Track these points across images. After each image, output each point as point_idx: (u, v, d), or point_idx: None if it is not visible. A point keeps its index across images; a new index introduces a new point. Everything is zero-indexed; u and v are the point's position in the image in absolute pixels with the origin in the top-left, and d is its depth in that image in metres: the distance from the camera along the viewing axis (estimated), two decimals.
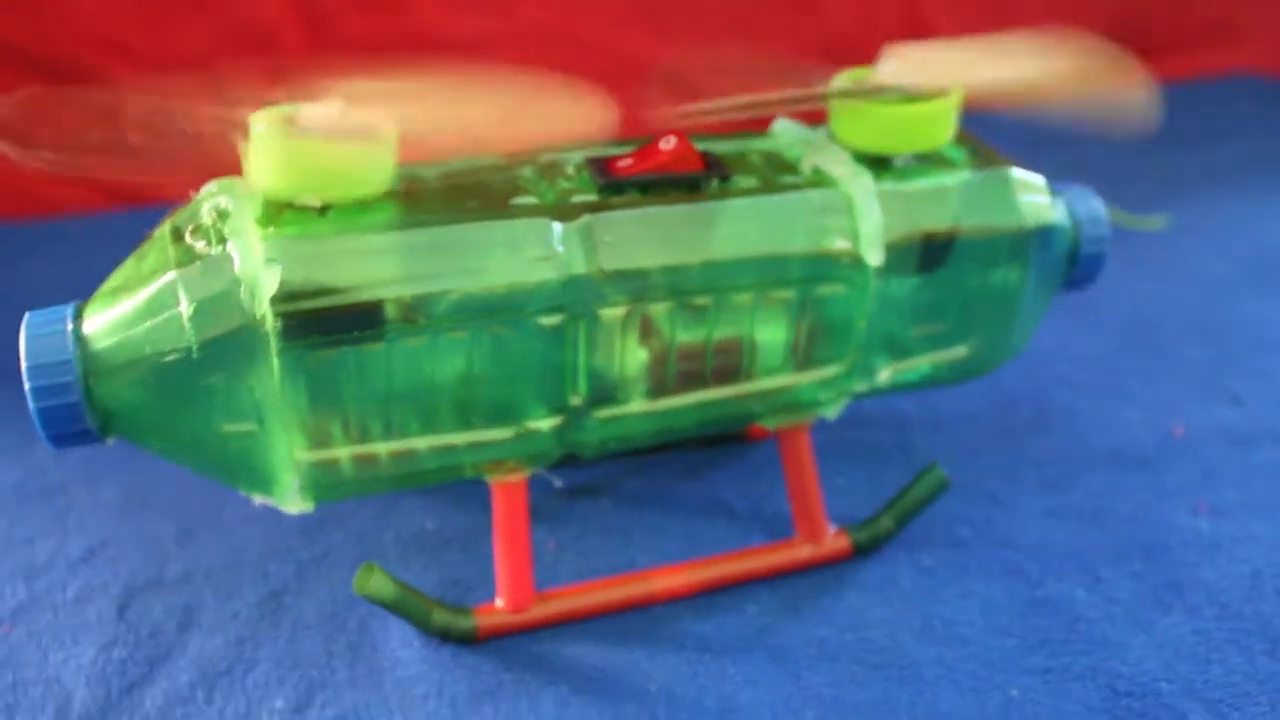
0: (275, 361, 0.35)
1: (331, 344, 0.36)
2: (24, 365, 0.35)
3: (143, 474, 0.50)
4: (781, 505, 0.48)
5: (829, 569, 0.45)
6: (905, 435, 0.53)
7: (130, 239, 0.38)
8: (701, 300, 0.39)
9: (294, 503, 0.38)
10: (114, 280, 0.37)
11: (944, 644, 0.42)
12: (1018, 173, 0.43)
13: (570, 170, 0.40)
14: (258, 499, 0.38)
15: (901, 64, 0.42)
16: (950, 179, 0.42)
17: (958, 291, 0.43)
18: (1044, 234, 0.43)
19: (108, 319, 0.35)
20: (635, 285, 0.38)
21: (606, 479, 0.50)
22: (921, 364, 0.44)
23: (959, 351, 0.44)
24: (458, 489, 0.48)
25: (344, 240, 0.36)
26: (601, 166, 0.40)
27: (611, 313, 0.38)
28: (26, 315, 0.36)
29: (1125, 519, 0.48)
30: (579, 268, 0.37)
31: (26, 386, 0.35)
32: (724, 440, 0.52)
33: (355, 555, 0.45)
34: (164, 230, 0.37)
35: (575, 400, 0.39)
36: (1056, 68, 0.43)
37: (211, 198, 0.37)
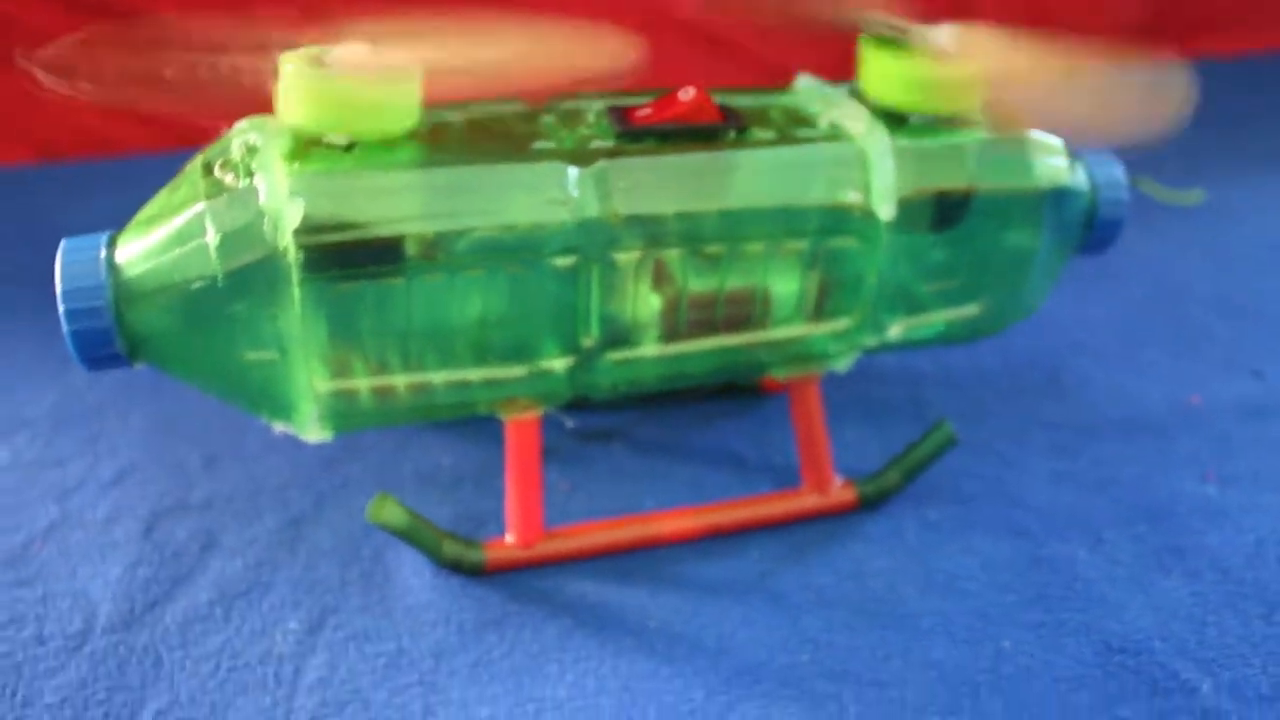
0: (296, 292, 0.36)
1: (352, 277, 0.37)
2: (58, 289, 0.36)
3: (171, 402, 0.51)
4: (791, 457, 0.49)
5: (835, 520, 0.46)
6: (918, 392, 0.53)
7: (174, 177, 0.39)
8: (714, 249, 0.40)
9: (313, 431, 0.39)
10: (147, 211, 0.38)
11: (943, 596, 0.42)
12: (1034, 134, 0.43)
13: (590, 118, 0.41)
14: (278, 427, 0.40)
15: (944, 31, 0.42)
16: (966, 138, 0.42)
17: (971, 250, 0.43)
18: (1059, 195, 0.44)
19: (139, 248, 0.37)
20: (648, 231, 0.39)
21: (620, 424, 0.51)
22: (933, 320, 0.45)
23: (971, 310, 0.45)
24: (475, 426, 0.50)
25: (367, 177, 0.37)
26: (620, 115, 0.40)
27: (624, 257, 0.39)
28: (63, 242, 0.37)
29: (1133, 484, 0.48)
30: (592, 211, 0.38)
31: (60, 310, 0.36)
32: (737, 391, 0.53)
33: (373, 487, 0.47)
34: (195, 164, 0.38)
35: (587, 341, 0.40)
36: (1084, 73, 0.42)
37: (242, 134, 0.38)
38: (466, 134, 0.39)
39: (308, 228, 0.35)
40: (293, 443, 0.49)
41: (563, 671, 0.39)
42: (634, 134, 0.40)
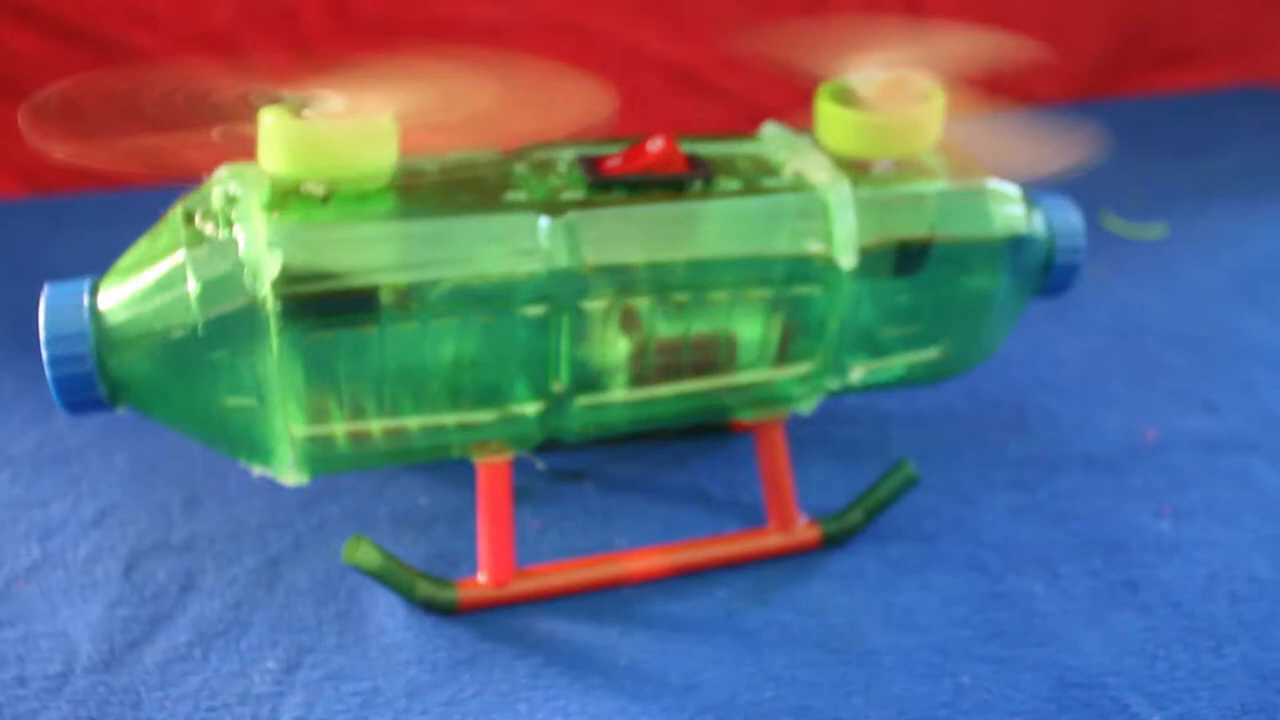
0: (275, 341, 0.37)
1: (328, 326, 0.38)
2: (42, 336, 0.37)
3: (152, 444, 0.52)
4: (758, 496, 0.50)
5: (799, 558, 0.47)
6: (884, 432, 0.55)
7: (159, 214, 0.40)
8: (681, 296, 0.41)
9: (289, 474, 0.41)
10: (128, 258, 0.39)
11: (902, 631, 0.44)
12: (993, 183, 0.45)
13: (562, 168, 0.42)
14: (256, 470, 0.41)
15: (886, 73, 0.44)
16: (927, 187, 0.44)
17: (931, 295, 0.45)
18: (1017, 243, 0.45)
19: (121, 294, 0.38)
20: (617, 280, 0.40)
21: (591, 464, 0.52)
22: (895, 364, 0.46)
23: (931, 353, 0.46)
24: (450, 468, 0.51)
25: (344, 228, 0.38)
26: (591, 165, 0.42)
27: (593, 305, 0.40)
28: (46, 287, 0.38)
29: (1089, 519, 0.50)
30: (563, 261, 0.39)
31: (44, 356, 0.37)
32: (707, 431, 0.54)
33: (350, 527, 0.48)
34: (176, 212, 0.39)
35: (557, 387, 0.41)
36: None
37: (222, 183, 0.39)
38: (440, 184, 0.40)
39: (286, 278, 0.37)
40: (271, 485, 0.50)
41: (532, 710, 0.40)
42: (604, 184, 0.41)
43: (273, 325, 0.37)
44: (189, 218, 0.39)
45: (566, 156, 0.43)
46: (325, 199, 0.38)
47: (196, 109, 0.39)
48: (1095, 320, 0.65)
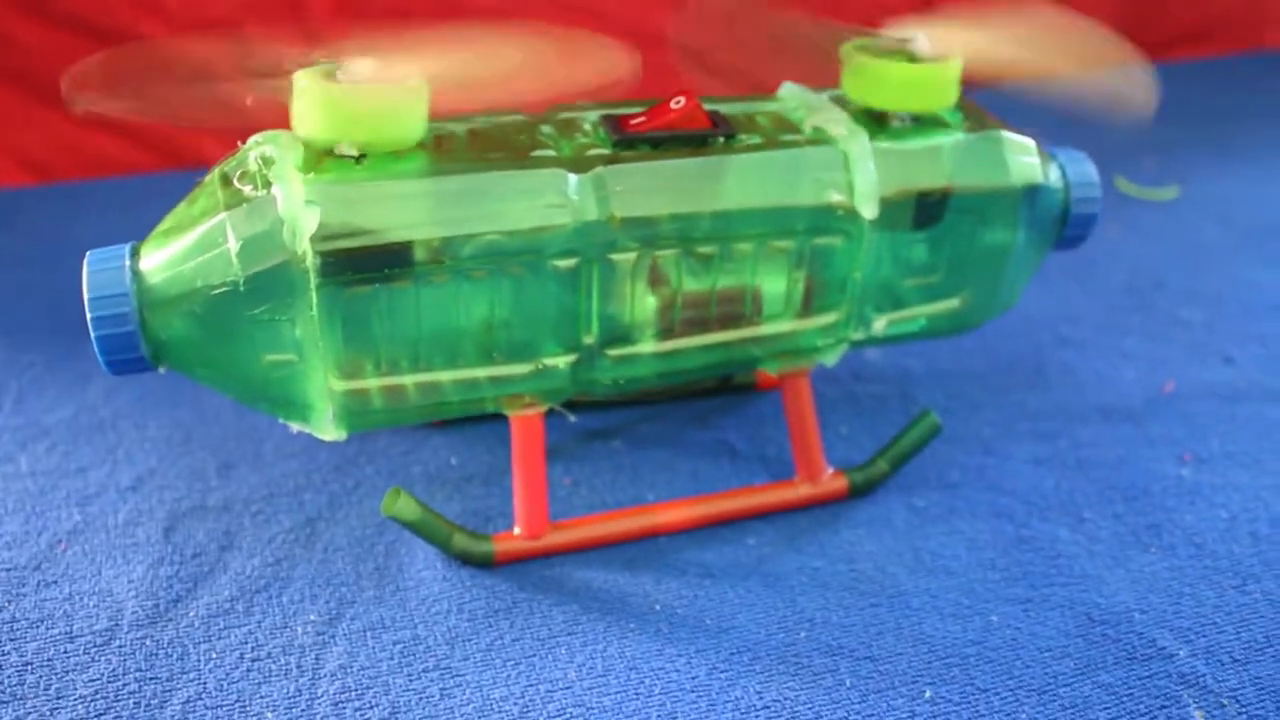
0: (314, 296, 0.38)
1: (365, 281, 0.39)
2: (86, 297, 0.38)
3: (185, 413, 0.53)
4: (784, 450, 0.51)
5: (826, 508, 0.48)
6: (907, 389, 0.56)
7: (178, 197, 0.41)
8: (707, 249, 0.42)
9: (328, 430, 0.41)
10: (167, 222, 0.40)
11: (930, 575, 0.44)
12: (1009, 135, 0.46)
13: (587, 127, 0.43)
14: (295, 426, 0.42)
15: (919, 31, 0.44)
16: (944, 139, 0.45)
17: (951, 246, 0.45)
18: (1033, 193, 0.46)
19: (162, 256, 0.39)
20: (644, 232, 0.41)
21: (620, 422, 0.53)
22: (916, 315, 0.47)
23: (952, 304, 0.47)
24: (482, 429, 0.52)
25: (378, 185, 0.39)
26: (615, 123, 0.43)
27: (622, 258, 0.41)
28: (88, 254, 0.39)
29: (1111, 467, 0.50)
30: (591, 214, 0.40)
31: (88, 317, 0.38)
32: (730, 389, 0.55)
33: (385, 487, 0.49)
34: (213, 177, 0.40)
35: (588, 339, 0.42)
36: (1058, 49, 0.45)
37: (257, 147, 0.40)
38: (470, 144, 0.41)
39: (324, 234, 0.37)
40: (305, 449, 0.51)
41: (572, 654, 0.40)
42: (629, 141, 0.42)
43: (311, 281, 0.38)
44: (226, 181, 0.39)
45: (590, 117, 0.44)
46: (359, 159, 0.39)
47: (233, 72, 0.40)
48: (1111, 280, 0.65)
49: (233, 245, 0.38)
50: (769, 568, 0.45)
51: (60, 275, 0.66)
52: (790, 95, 0.47)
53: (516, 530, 0.45)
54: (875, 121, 0.44)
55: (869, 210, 0.43)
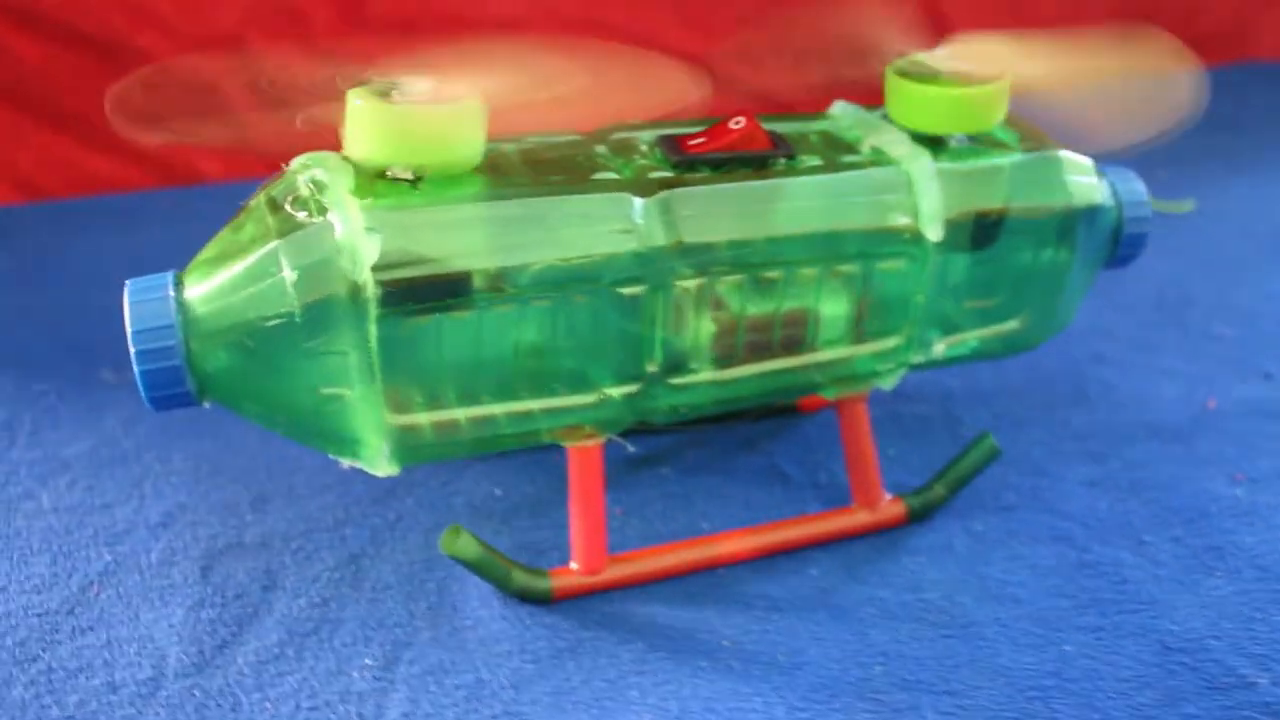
0: (372, 328, 0.36)
1: (425, 311, 0.37)
2: (129, 330, 0.36)
3: (211, 444, 0.51)
4: (834, 473, 0.50)
5: (884, 534, 0.47)
6: (950, 409, 0.55)
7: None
8: (772, 273, 0.41)
9: (381, 465, 0.40)
10: (211, 250, 0.38)
11: (999, 603, 0.43)
12: (1067, 154, 0.45)
13: (644, 148, 0.42)
14: (345, 462, 0.40)
15: (955, 51, 0.44)
16: (1003, 159, 0.44)
17: (1010, 267, 0.45)
18: (1091, 213, 0.45)
19: (209, 285, 0.37)
20: (710, 258, 0.40)
21: (667, 449, 0.52)
22: (974, 337, 0.46)
23: (1010, 325, 0.46)
24: (521, 457, 0.50)
25: (439, 211, 0.37)
26: (674, 144, 0.41)
27: (686, 284, 0.40)
28: (128, 283, 0.37)
29: (1164, 488, 0.50)
30: (658, 240, 0.39)
31: (131, 350, 0.36)
32: (776, 411, 0.54)
33: (428, 520, 0.47)
34: (259, 201, 0.38)
35: (651, 368, 0.41)
36: (1103, 62, 0.44)
37: (305, 170, 0.38)
38: (526, 166, 0.40)
39: (385, 263, 0.36)
40: (341, 480, 0.49)
41: (644, 695, 0.39)
42: (689, 163, 0.40)
43: (371, 311, 0.36)
44: (274, 206, 0.38)
45: (644, 136, 0.42)
46: (414, 183, 0.38)
47: (279, 94, 0.38)
48: (1139, 295, 0.65)
49: (288, 274, 0.36)
50: (835, 599, 0.43)
51: (59, 296, 0.63)
52: (842, 114, 0.46)
53: (574, 565, 0.43)
54: (932, 141, 0.44)
55: (934, 233, 0.42)
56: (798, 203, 0.41)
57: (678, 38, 0.84)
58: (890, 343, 0.44)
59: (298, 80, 0.38)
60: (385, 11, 0.82)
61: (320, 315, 0.36)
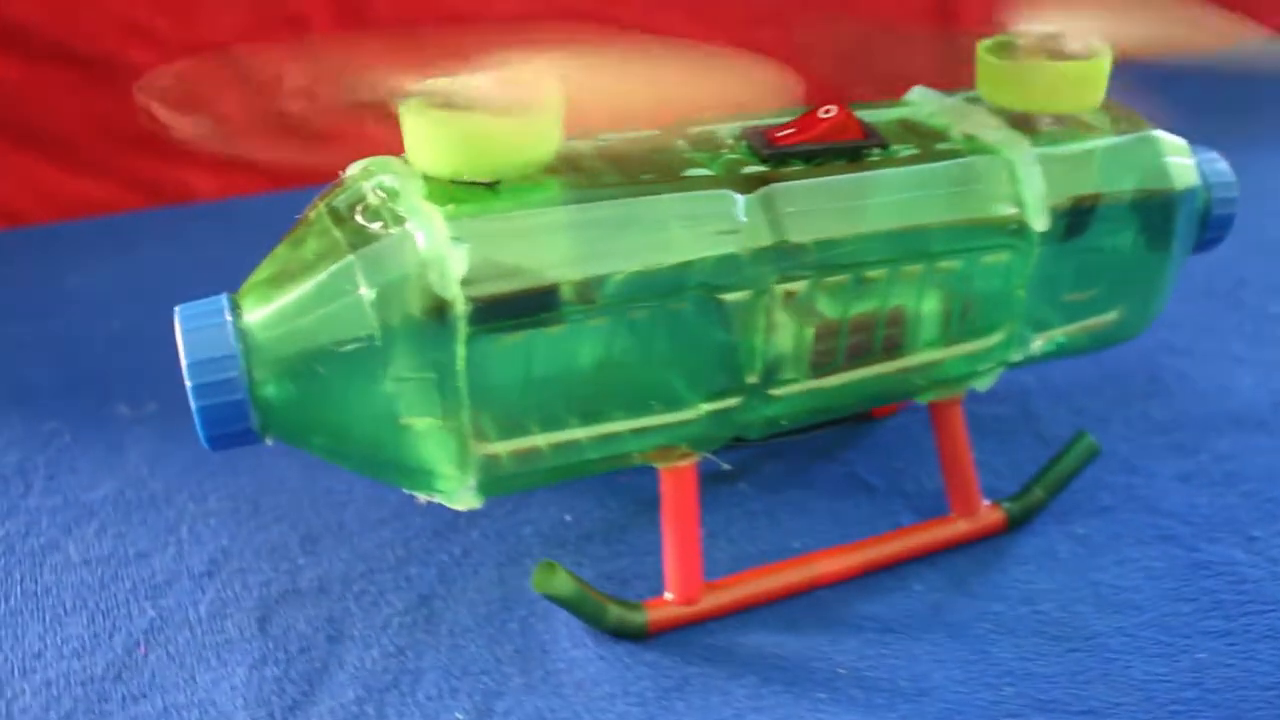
0: (461, 348, 0.33)
1: (516, 328, 0.34)
2: (184, 362, 0.32)
3: (247, 480, 0.47)
4: (920, 480, 0.47)
5: (983, 543, 0.44)
6: (1027, 407, 0.52)
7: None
8: (874, 272, 0.38)
9: (464, 499, 0.36)
10: (268, 268, 0.35)
11: (1119, 612, 0.41)
12: (1164, 135, 0.43)
13: (729, 141, 0.39)
14: (423, 497, 0.36)
15: (1051, 24, 0.41)
16: (1100, 142, 0.41)
17: (1110, 256, 0.42)
18: (1190, 196, 0.43)
19: (271, 308, 0.33)
20: (815, 257, 0.37)
21: (741, 463, 0.48)
22: (1073, 330, 0.44)
23: (1109, 316, 0.44)
24: (590, 479, 0.47)
25: (528, 217, 0.34)
26: (761, 137, 0.38)
27: (789, 286, 0.37)
28: (178, 309, 0.33)
29: (1261, 479, 0.48)
30: (763, 240, 0.36)
31: (188, 385, 0.32)
32: (847, 417, 0.51)
33: (498, 554, 0.43)
34: (318, 212, 0.35)
35: (751, 379, 0.38)
36: (1184, 25, 0.43)
37: (369, 176, 0.35)
38: (609, 165, 0.37)
39: (475, 276, 0.32)
40: (396, 513, 0.46)
41: None
42: (780, 156, 0.38)
43: (460, 330, 0.33)
44: (339, 217, 0.34)
45: (728, 130, 0.39)
46: (492, 187, 0.34)
47: (338, 95, 0.35)
48: (1190, 280, 0.63)
49: (366, 293, 0.32)
50: (948, 616, 0.41)
51: (59, 326, 0.59)
52: (922, 99, 0.44)
53: (668, 595, 0.40)
54: (1023, 123, 0.41)
55: (1040, 222, 0.39)
56: (901, 195, 0.38)
57: (688, 33, 0.81)
58: (991, 340, 0.41)
59: (356, 81, 0.35)
60: (385, 14, 0.78)
61: (404, 337, 0.32)
